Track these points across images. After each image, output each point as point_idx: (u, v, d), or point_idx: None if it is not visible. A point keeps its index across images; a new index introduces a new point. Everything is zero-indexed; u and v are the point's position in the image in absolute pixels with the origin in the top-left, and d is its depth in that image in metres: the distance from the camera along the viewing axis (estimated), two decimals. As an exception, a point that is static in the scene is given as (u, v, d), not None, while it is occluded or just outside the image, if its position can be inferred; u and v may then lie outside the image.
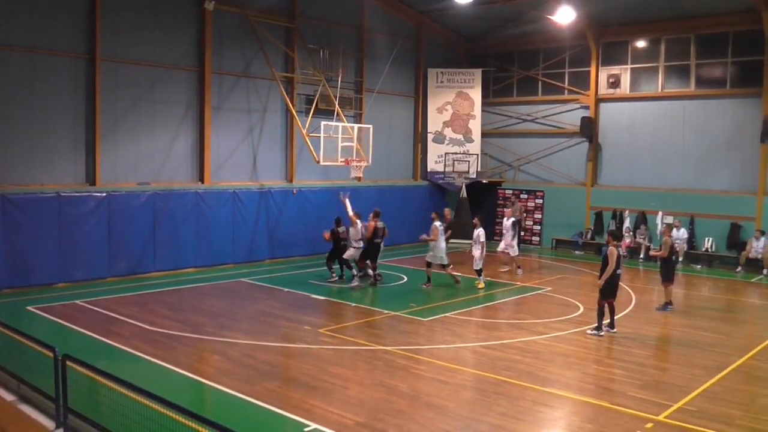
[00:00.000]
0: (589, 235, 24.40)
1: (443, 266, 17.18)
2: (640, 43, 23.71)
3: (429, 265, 17.14)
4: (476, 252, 17.12)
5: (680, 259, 20.64)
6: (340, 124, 19.71)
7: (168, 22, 18.69)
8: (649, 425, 8.45)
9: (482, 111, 26.81)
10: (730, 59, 21.86)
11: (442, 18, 25.71)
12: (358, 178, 20.42)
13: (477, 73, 26.68)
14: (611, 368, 11.07)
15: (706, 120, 22.37)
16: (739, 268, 20.45)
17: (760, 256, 20.26)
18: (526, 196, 26.07)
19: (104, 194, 17.07)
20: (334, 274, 17.78)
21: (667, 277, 15.11)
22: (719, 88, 22.14)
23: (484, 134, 27.00)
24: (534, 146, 26.18)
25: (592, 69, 24.43)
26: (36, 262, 15.86)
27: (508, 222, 19.44)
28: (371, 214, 17.25)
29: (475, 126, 26.76)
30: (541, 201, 25.81)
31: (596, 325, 12.87)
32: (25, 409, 8.41)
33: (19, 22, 15.96)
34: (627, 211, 23.38)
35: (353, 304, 15.31)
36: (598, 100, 24.49)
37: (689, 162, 22.72)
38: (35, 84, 16.32)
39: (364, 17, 23.76)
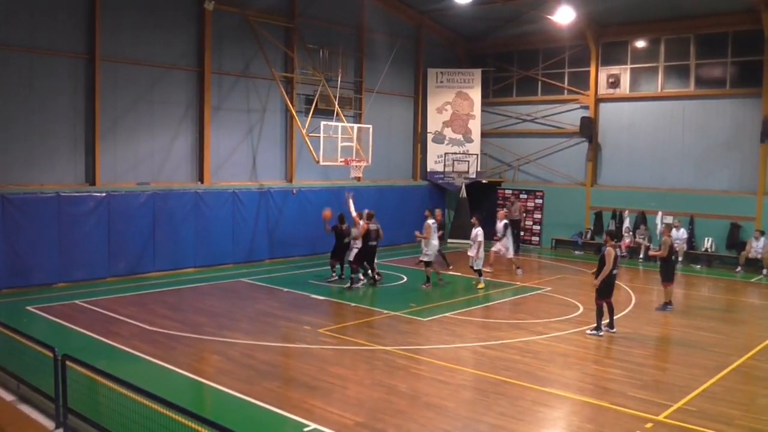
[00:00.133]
0: (588, 235, 24.39)
1: (425, 263, 17.22)
2: (640, 43, 23.71)
3: (427, 264, 17.17)
4: (472, 252, 17.11)
5: (680, 259, 20.64)
6: (340, 124, 19.71)
7: (167, 22, 18.68)
8: (649, 425, 8.45)
9: (482, 111, 26.80)
10: (729, 59, 21.86)
11: (442, 18, 25.71)
12: (358, 178, 20.42)
13: (477, 73, 26.68)
14: (611, 368, 11.06)
15: (705, 120, 22.37)
16: (739, 268, 20.45)
17: (759, 256, 20.26)
18: (525, 196, 26.07)
19: (104, 194, 17.07)
20: (334, 274, 17.77)
21: (667, 277, 15.11)
22: (719, 88, 22.14)
23: (484, 134, 27.00)
24: (534, 146, 26.18)
25: (592, 69, 24.43)
26: (35, 262, 15.85)
27: (500, 224, 19.28)
28: (364, 216, 17.09)
29: (475, 126, 26.76)
30: (540, 201, 25.80)
31: (596, 325, 12.87)
32: (25, 409, 8.41)
33: (19, 21, 15.96)
34: (627, 211, 23.38)
35: (353, 304, 15.31)
36: (598, 100, 24.49)
37: (689, 162, 22.72)
38: (35, 84, 16.31)
39: (364, 17, 23.76)
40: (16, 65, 15.97)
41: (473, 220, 17.65)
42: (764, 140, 20.59)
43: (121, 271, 17.36)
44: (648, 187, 23.38)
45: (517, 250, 24.33)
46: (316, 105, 20.89)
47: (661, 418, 8.69)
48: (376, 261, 17.54)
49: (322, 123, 19.56)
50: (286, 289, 16.65)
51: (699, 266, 21.53)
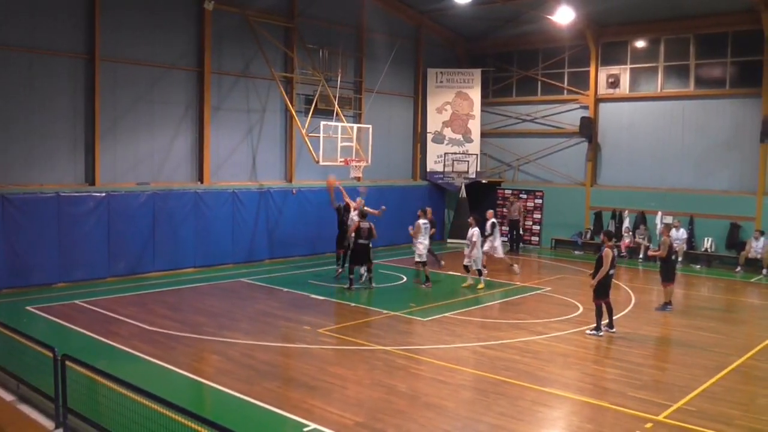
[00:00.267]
0: (588, 235, 24.39)
1: (422, 263, 17.25)
2: (640, 43, 23.71)
3: (424, 264, 17.18)
4: (467, 250, 17.09)
5: (680, 259, 20.63)
6: (340, 124, 19.71)
7: (167, 22, 18.68)
8: (649, 425, 8.46)
9: (482, 111, 26.80)
10: (729, 59, 21.86)
11: (442, 18, 25.71)
12: (358, 178, 20.43)
13: (476, 73, 26.68)
14: (611, 368, 11.05)
15: (705, 120, 22.37)
16: (739, 268, 20.46)
17: (759, 256, 20.26)
18: (525, 196, 26.07)
19: (104, 194, 17.06)
20: (340, 267, 17.71)
21: (667, 277, 15.12)
22: (719, 88, 22.13)
23: (484, 134, 27.00)
24: (533, 146, 26.17)
25: (592, 69, 24.43)
26: (35, 262, 15.85)
27: (487, 223, 19.02)
28: (357, 214, 17.02)
29: (475, 126, 26.76)
30: (540, 201, 25.80)
31: (595, 325, 12.87)
32: (25, 409, 8.41)
33: (19, 21, 15.95)
34: (626, 211, 23.37)
35: (353, 304, 15.31)
36: (598, 100, 24.49)
37: (689, 162, 22.72)
38: (34, 84, 16.31)
39: (364, 17, 23.75)
40: (16, 65, 15.97)
41: (470, 219, 17.62)
42: (764, 140, 20.59)
43: (121, 271, 17.36)
44: (648, 187, 23.38)
45: (517, 250, 24.49)
46: (315, 105, 20.89)
47: (660, 418, 8.69)
48: (373, 262, 17.48)
49: (322, 123, 19.56)
50: (285, 289, 16.65)
51: (699, 266, 21.53)
